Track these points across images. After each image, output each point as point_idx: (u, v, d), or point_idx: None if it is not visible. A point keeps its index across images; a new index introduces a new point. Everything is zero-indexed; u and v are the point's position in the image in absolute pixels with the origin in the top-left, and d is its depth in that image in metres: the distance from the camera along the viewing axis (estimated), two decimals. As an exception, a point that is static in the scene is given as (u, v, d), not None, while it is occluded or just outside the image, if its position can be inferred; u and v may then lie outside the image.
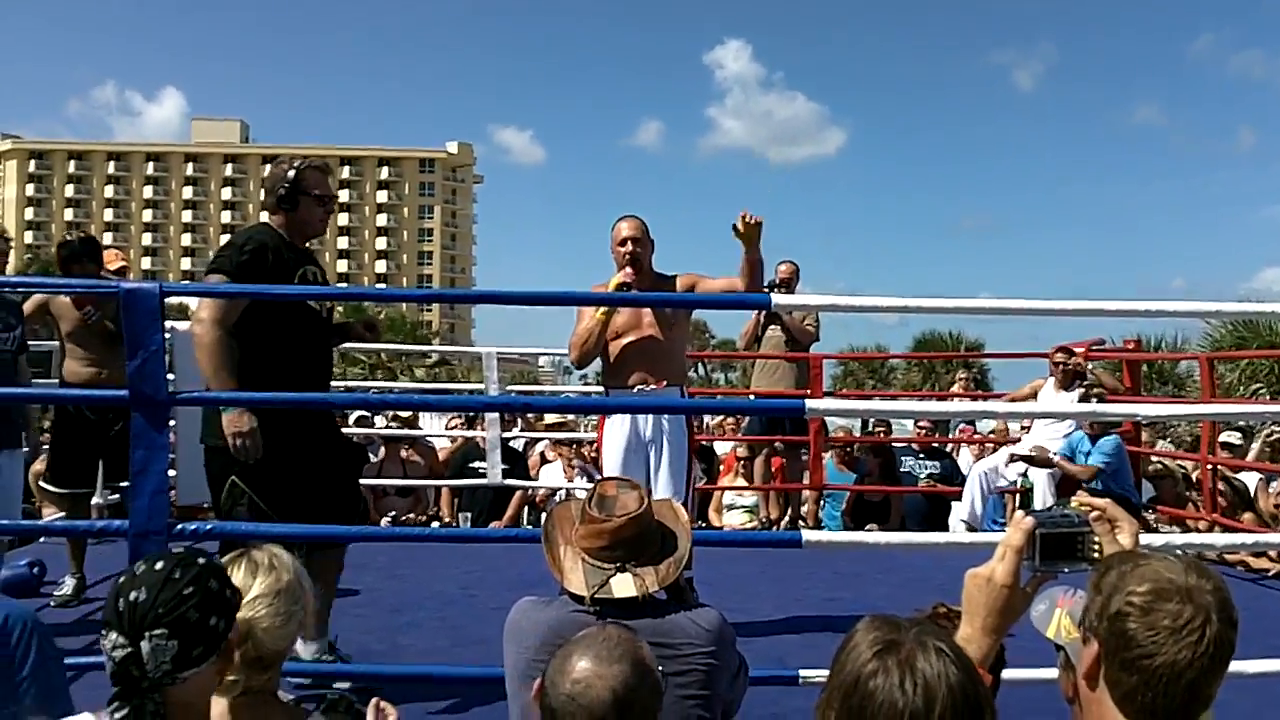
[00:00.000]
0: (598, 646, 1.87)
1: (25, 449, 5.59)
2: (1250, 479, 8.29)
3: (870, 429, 10.23)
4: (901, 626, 1.52)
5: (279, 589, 2.17)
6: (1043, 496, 7.54)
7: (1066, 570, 1.80)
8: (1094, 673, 1.57)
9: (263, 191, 4.35)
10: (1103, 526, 1.84)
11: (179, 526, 3.30)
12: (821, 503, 9.07)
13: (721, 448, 10.06)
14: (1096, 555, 1.80)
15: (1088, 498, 1.90)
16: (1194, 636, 1.49)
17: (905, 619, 1.56)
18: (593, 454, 6.52)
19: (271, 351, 3.90)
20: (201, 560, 1.92)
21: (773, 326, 8.27)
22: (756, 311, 8.20)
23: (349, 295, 3.23)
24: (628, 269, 4.84)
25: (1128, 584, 1.54)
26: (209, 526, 3.37)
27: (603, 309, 4.84)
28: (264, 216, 4.29)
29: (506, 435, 8.92)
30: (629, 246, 4.89)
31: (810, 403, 4.57)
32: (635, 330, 4.92)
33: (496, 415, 8.45)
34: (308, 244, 4.31)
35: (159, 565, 1.86)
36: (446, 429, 10.37)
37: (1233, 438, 8.94)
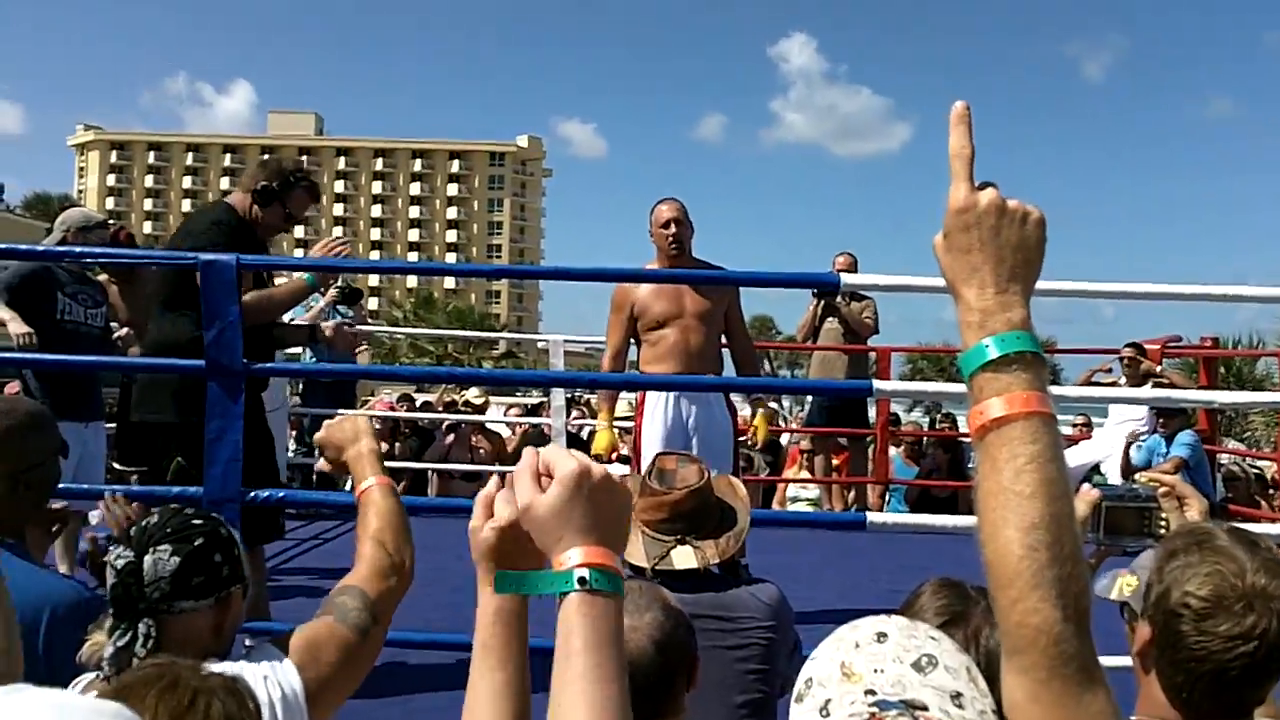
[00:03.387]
0: (635, 603, 1.89)
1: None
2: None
3: (936, 425, 10.14)
4: (969, 597, 1.51)
5: None
6: (1114, 489, 7.42)
7: (1130, 545, 1.78)
8: (1145, 654, 1.54)
9: (253, 172, 4.23)
10: (1170, 503, 1.81)
11: (252, 494, 3.37)
12: (887, 497, 9.01)
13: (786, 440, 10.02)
14: (1163, 530, 1.76)
15: (1157, 474, 1.88)
16: (1250, 646, 1.43)
17: (971, 586, 1.55)
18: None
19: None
20: (216, 514, 1.98)
21: (830, 319, 8.17)
22: (815, 303, 8.17)
23: (425, 270, 3.27)
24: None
25: (1189, 580, 1.48)
26: (281, 494, 3.44)
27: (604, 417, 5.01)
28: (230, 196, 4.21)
29: (572, 423, 8.98)
30: (672, 229, 4.85)
31: (878, 384, 4.57)
32: (675, 321, 4.89)
33: (562, 403, 8.50)
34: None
35: (174, 505, 1.96)
36: (505, 415, 10.45)
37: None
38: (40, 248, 3.70)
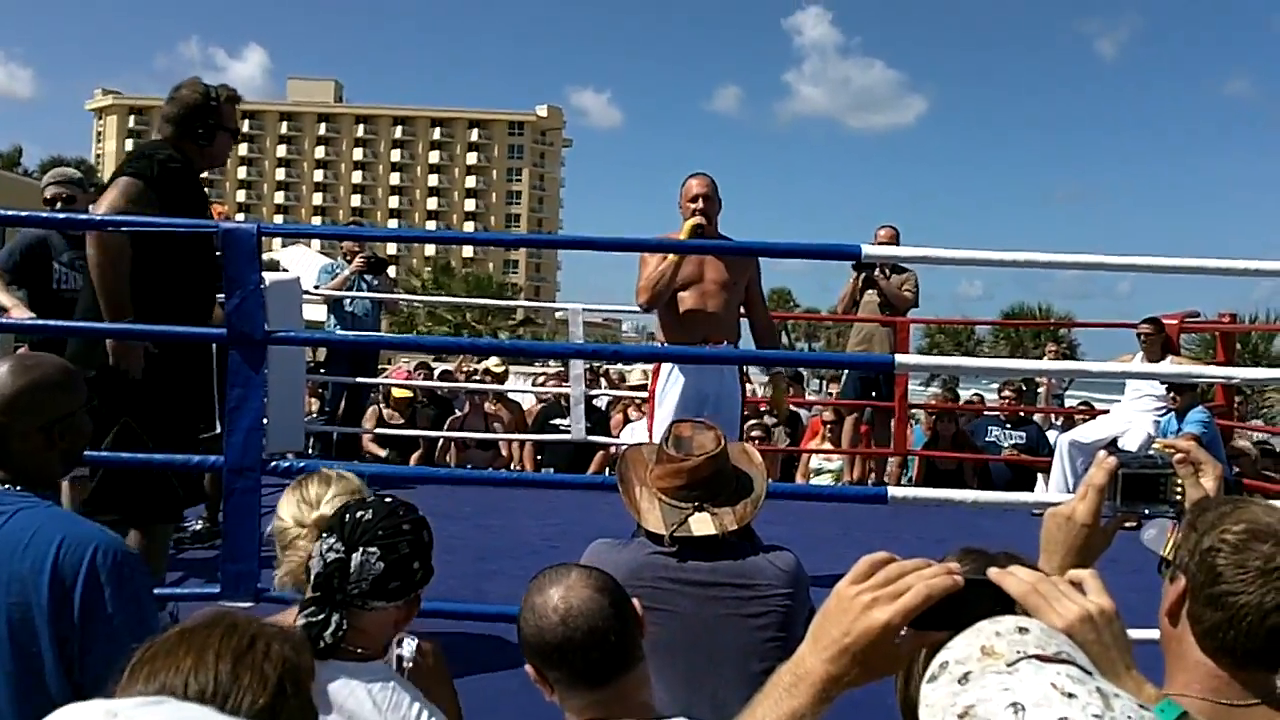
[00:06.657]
0: (558, 574, 1.88)
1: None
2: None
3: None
4: (996, 561, 1.52)
5: (353, 489, 2.28)
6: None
7: (1147, 511, 1.79)
8: (1176, 609, 1.57)
9: (168, 114, 4.04)
10: (1186, 469, 1.82)
11: (273, 463, 3.40)
12: (906, 469, 9.02)
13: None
14: (1179, 497, 1.78)
15: (1172, 440, 1.89)
16: None
17: (997, 553, 1.56)
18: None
19: (167, 280, 3.79)
20: (422, 513, 2.06)
21: (870, 291, 8.15)
22: (855, 276, 8.16)
23: (446, 239, 3.28)
24: (698, 216, 4.90)
25: (1223, 523, 1.54)
26: (301, 465, 3.46)
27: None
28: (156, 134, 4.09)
29: (590, 393, 9.00)
30: (700, 204, 4.96)
31: (900, 358, 4.58)
32: (698, 285, 4.98)
33: (580, 373, 8.52)
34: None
35: (387, 499, 2.02)
36: (533, 385, 10.47)
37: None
38: (63, 215, 3.69)
